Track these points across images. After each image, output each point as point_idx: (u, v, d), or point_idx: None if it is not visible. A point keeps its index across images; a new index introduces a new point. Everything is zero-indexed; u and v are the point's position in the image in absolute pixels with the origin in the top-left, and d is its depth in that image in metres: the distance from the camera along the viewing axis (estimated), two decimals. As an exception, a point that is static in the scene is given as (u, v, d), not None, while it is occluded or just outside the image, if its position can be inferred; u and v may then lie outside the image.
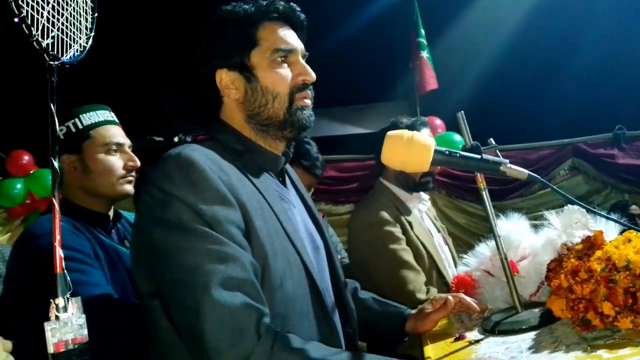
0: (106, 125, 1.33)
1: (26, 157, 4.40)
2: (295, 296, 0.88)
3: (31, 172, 4.34)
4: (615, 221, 1.07)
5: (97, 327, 1.07)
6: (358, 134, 6.32)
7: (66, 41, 1.00)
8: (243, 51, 0.96)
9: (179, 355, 0.83)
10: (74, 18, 1.04)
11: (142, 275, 0.88)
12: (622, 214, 3.69)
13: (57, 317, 0.79)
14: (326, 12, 5.32)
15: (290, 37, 0.99)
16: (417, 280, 1.76)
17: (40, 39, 0.91)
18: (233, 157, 0.93)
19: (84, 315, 0.81)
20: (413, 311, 1.24)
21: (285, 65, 0.98)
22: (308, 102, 0.99)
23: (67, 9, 1.02)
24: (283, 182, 1.04)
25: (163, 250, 0.81)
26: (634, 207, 3.89)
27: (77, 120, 1.30)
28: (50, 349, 0.77)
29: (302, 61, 1.00)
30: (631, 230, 1.08)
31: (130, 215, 1.42)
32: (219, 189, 0.83)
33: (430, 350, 1.09)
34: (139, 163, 1.34)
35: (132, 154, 1.34)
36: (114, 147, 1.32)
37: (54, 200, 0.84)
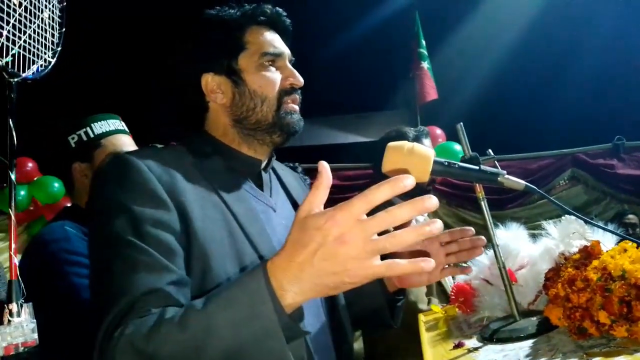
0: (117, 134, 1.37)
1: (30, 164, 4.43)
2: None
3: (35, 179, 4.37)
4: (610, 231, 1.09)
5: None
6: (359, 143, 6.36)
7: (29, 57, 1.02)
8: (230, 55, 0.95)
9: None
10: (37, 35, 1.07)
11: None
12: (619, 223, 3.72)
13: (9, 322, 0.82)
14: (328, 23, 5.38)
15: (277, 41, 0.99)
16: (418, 290, 1.77)
17: None
18: (196, 159, 0.92)
19: (34, 321, 0.84)
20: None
21: (273, 68, 0.97)
22: (296, 107, 0.98)
23: (30, 27, 1.04)
24: (261, 186, 1.01)
25: (90, 255, 0.83)
26: (631, 216, 3.90)
27: (88, 129, 1.34)
28: (0, 352, 0.79)
29: (290, 65, 0.99)
30: (627, 241, 1.10)
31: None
32: (152, 189, 0.82)
33: (429, 357, 1.11)
34: None
35: None
36: None
37: (10, 212, 0.88)
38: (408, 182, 0.60)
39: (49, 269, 1.14)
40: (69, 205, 1.41)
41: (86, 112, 1.40)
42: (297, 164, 2.33)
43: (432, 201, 0.59)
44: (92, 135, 1.34)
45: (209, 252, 0.82)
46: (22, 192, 4.27)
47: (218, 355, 0.66)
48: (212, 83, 0.96)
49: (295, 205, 1.07)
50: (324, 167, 0.66)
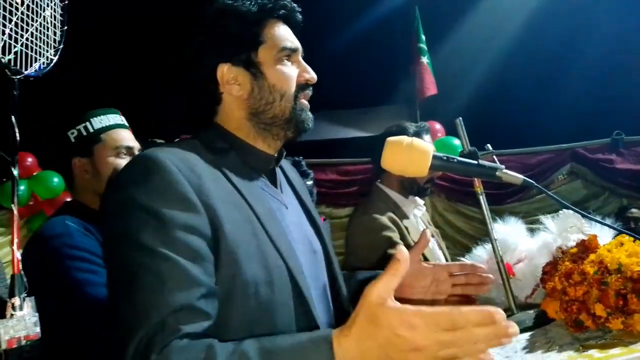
0: (117, 129, 1.37)
1: (30, 159, 4.41)
2: (274, 303, 0.83)
3: (35, 173, 4.36)
4: (607, 225, 1.10)
5: (104, 325, 1.10)
6: (359, 137, 6.35)
7: (31, 55, 1.03)
8: (250, 47, 0.94)
9: None
10: (40, 32, 1.08)
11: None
12: (622, 217, 3.72)
13: (12, 315, 0.82)
14: (328, 17, 5.36)
15: (292, 36, 0.98)
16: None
17: (0, 56, 0.94)
18: (213, 156, 0.90)
19: (37, 314, 0.84)
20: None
21: (289, 63, 0.97)
22: (307, 103, 0.98)
23: (32, 25, 1.05)
24: (274, 183, 1.00)
25: (111, 260, 0.79)
26: (634, 210, 3.91)
27: (88, 123, 1.34)
28: (3, 345, 0.80)
29: (303, 61, 0.99)
30: (624, 234, 1.11)
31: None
32: (182, 192, 0.79)
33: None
34: None
35: None
36: (124, 151, 1.35)
37: (13, 207, 0.88)
38: (511, 331, 0.60)
39: (50, 264, 1.14)
40: (69, 200, 1.42)
41: (86, 108, 1.40)
42: (300, 157, 2.32)
43: (515, 331, 0.60)
44: (91, 130, 1.34)
45: (237, 256, 0.80)
46: (22, 187, 4.25)
47: None
48: (228, 74, 0.94)
49: (301, 201, 1.06)
50: (404, 255, 0.66)
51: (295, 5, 1.00)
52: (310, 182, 2.19)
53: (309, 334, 0.71)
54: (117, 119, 1.39)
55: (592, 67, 5.58)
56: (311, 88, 1.00)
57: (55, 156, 1.37)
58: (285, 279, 0.85)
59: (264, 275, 0.82)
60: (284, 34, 0.97)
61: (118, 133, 1.36)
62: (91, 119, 1.34)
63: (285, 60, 0.96)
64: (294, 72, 0.96)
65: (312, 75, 0.98)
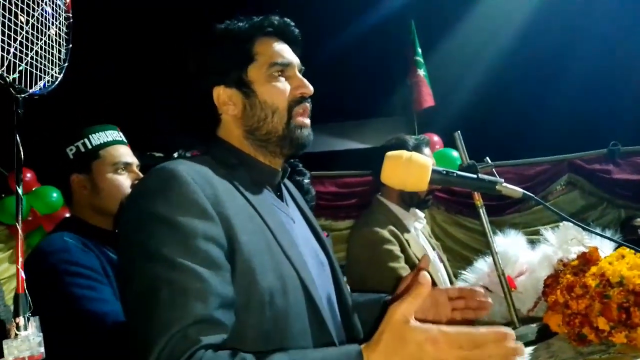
0: (115, 145, 1.37)
1: (29, 175, 4.40)
2: (289, 313, 0.84)
3: (34, 189, 4.34)
4: (608, 238, 1.10)
5: (104, 341, 1.09)
6: (357, 149, 6.37)
7: (36, 73, 1.03)
8: (240, 67, 0.96)
9: None
10: (44, 51, 1.08)
11: (121, 293, 0.86)
12: (627, 227, 3.69)
13: (16, 335, 0.81)
14: (324, 30, 5.41)
15: (286, 52, 0.99)
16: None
17: (5, 75, 0.94)
18: (226, 171, 0.91)
19: (41, 334, 0.83)
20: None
21: (283, 79, 0.97)
22: (307, 121, 0.99)
23: (37, 43, 1.05)
24: (281, 197, 1.02)
25: (130, 273, 0.79)
26: (638, 220, 3.89)
27: (86, 140, 1.34)
28: None
29: (299, 75, 0.99)
30: (625, 247, 1.11)
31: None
32: (200, 202, 0.80)
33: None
34: None
35: (140, 173, 1.38)
36: (123, 167, 1.35)
37: (17, 226, 0.88)
38: (520, 351, 0.68)
39: (49, 280, 1.14)
40: (68, 216, 1.41)
41: (85, 122, 1.40)
42: (306, 171, 2.24)
43: (522, 351, 0.69)
44: (90, 147, 1.34)
45: (253, 267, 0.82)
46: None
47: None
48: (223, 95, 0.96)
49: (305, 216, 1.07)
50: (426, 279, 0.71)
51: (287, 20, 1.01)
52: (307, 181, 2.14)
53: (337, 349, 0.76)
54: (116, 135, 1.39)
55: (588, 78, 5.63)
56: (309, 101, 1.00)
57: (53, 173, 1.37)
58: (299, 290, 0.87)
59: (279, 285, 0.84)
60: (276, 50, 0.98)
61: (116, 149, 1.36)
62: (89, 135, 1.34)
63: (278, 76, 0.97)
64: (286, 87, 0.97)
65: (306, 88, 0.98)
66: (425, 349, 0.67)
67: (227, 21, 0.99)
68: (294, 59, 1.00)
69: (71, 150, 1.33)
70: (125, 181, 1.34)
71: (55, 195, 4.17)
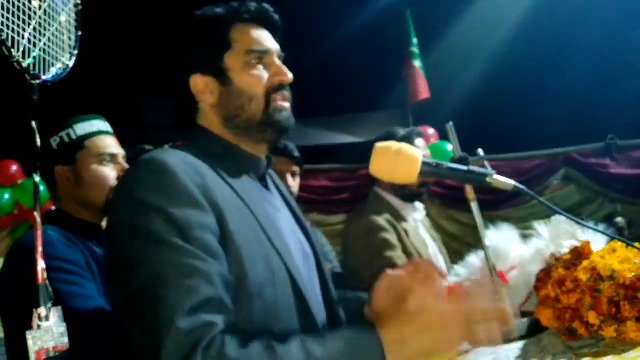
0: (100, 135, 1.33)
1: (14, 167, 4.29)
2: (278, 305, 0.84)
3: (19, 182, 4.24)
4: (600, 232, 1.08)
5: (87, 338, 1.07)
6: (350, 144, 6.34)
7: (48, 60, 1.02)
8: (216, 54, 0.94)
9: None
10: (56, 37, 1.07)
11: (114, 284, 0.84)
12: (609, 225, 3.72)
13: (38, 326, 0.81)
14: (318, 22, 5.38)
15: (264, 39, 0.97)
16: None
17: (21, 60, 0.93)
18: (211, 161, 0.90)
19: (64, 324, 0.82)
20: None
21: (261, 66, 0.95)
22: (286, 104, 0.97)
23: (49, 29, 1.04)
24: (266, 187, 1.01)
25: (130, 260, 0.78)
26: (619, 219, 3.92)
27: (71, 130, 1.30)
28: (32, 357, 0.78)
29: (278, 62, 0.97)
30: (616, 241, 1.10)
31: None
32: (192, 192, 0.80)
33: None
34: None
35: (126, 164, 1.34)
36: (108, 158, 1.31)
37: (35, 214, 0.86)
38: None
39: (31, 276, 1.11)
40: (52, 209, 1.38)
41: (73, 114, 1.37)
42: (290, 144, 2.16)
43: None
44: (74, 137, 1.30)
45: (243, 257, 0.82)
46: (6, 196, 4.14)
47: None
48: (200, 84, 0.95)
49: (289, 206, 1.06)
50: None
51: (265, 6, 0.99)
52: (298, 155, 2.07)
53: (350, 331, 0.79)
54: (101, 125, 1.35)
55: (585, 72, 5.62)
56: (288, 88, 0.98)
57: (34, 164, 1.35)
58: (286, 280, 0.87)
59: (268, 276, 0.84)
60: (253, 37, 0.96)
61: (102, 140, 1.32)
62: (74, 126, 1.30)
63: (256, 64, 0.95)
64: (263, 75, 0.95)
65: (285, 76, 0.96)
66: (429, 308, 0.77)
67: (204, 8, 0.97)
68: (273, 46, 0.98)
69: (55, 140, 1.29)
70: (110, 173, 1.31)
71: (41, 188, 4.14)
